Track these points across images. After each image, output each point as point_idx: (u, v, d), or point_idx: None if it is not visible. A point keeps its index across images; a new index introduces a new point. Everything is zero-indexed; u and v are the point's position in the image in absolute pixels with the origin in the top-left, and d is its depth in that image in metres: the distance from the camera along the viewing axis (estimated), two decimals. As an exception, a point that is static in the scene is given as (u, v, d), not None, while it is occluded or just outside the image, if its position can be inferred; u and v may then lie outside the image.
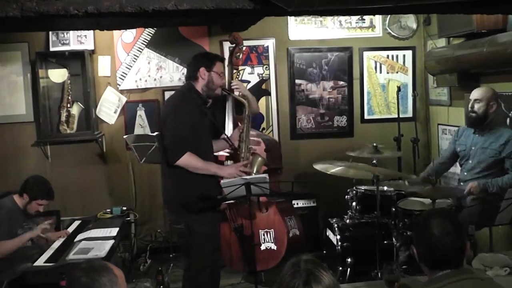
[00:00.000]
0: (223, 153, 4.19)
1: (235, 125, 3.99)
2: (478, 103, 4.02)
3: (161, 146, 3.65)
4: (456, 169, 4.58)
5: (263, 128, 5.57)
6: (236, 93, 3.88)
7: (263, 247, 4.25)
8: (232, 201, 3.95)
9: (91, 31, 5.27)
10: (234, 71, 4.61)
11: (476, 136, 4.11)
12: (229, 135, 3.88)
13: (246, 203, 3.79)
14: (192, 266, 3.65)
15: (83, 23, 3.76)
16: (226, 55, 5.12)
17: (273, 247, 4.26)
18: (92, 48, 5.34)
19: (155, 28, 5.38)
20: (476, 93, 4.08)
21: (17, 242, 3.90)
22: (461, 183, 4.19)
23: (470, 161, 4.12)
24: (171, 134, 3.49)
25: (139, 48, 5.44)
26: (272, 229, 4.28)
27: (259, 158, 4.04)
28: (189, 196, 3.54)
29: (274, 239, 4.26)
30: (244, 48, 4.64)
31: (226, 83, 3.89)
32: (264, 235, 4.27)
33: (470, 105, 4.09)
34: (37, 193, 4.03)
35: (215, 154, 3.89)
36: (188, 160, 3.47)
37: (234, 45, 4.49)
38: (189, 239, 3.60)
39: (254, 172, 3.91)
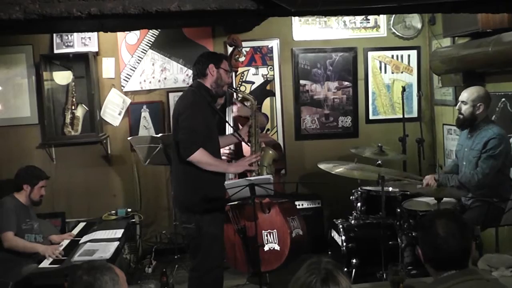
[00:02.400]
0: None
1: (236, 129, 4.06)
2: (464, 105, 3.99)
3: (174, 145, 3.64)
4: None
5: (268, 129, 5.56)
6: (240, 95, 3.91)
7: (266, 247, 4.24)
8: (235, 202, 3.95)
9: (95, 33, 5.29)
10: (234, 73, 4.63)
11: (469, 137, 4.08)
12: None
13: (249, 204, 3.78)
14: (199, 267, 3.63)
15: (87, 25, 3.78)
16: (230, 56, 5.14)
17: (276, 247, 4.25)
18: (96, 50, 5.35)
19: (159, 30, 5.39)
20: (462, 95, 4.05)
21: (28, 247, 3.95)
22: None
23: (464, 163, 4.09)
24: (185, 131, 3.47)
25: (143, 49, 5.44)
26: (275, 230, 4.26)
27: (269, 152, 4.05)
28: (201, 196, 3.53)
29: (277, 239, 4.25)
30: (242, 49, 4.64)
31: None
32: (267, 235, 4.26)
33: (457, 107, 4.08)
34: (33, 178, 4.13)
35: None
36: (200, 156, 3.46)
37: (233, 47, 4.49)
38: (199, 240, 3.59)
39: (265, 165, 3.93)
